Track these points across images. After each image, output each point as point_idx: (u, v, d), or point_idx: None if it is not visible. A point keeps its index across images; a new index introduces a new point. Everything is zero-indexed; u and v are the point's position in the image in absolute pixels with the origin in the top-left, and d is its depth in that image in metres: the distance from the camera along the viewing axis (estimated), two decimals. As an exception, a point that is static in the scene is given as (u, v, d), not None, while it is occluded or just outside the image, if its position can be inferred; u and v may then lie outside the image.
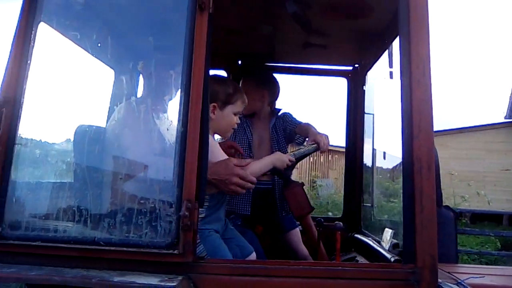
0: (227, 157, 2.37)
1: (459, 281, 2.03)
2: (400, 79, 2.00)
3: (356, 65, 3.50)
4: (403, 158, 1.93)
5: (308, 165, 17.24)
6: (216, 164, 2.25)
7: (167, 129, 2.08)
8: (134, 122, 2.21)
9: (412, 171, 1.88)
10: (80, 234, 1.88)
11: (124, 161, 2.16)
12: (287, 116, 3.30)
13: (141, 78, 2.49)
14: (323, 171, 18.32)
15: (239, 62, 3.58)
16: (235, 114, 2.48)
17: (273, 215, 3.14)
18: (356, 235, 3.15)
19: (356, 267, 2.03)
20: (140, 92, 2.48)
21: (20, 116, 1.98)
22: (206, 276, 1.84)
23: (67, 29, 2.25)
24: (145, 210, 1.85)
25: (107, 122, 2.41)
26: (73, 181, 2.19)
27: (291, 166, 2.76)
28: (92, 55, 2.43)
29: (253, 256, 2.49)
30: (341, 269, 1.92)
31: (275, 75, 3.44)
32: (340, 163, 16.83)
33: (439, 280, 1.86)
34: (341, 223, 2.73)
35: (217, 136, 2.62)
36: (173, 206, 1.81)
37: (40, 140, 2.25)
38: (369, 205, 3.28)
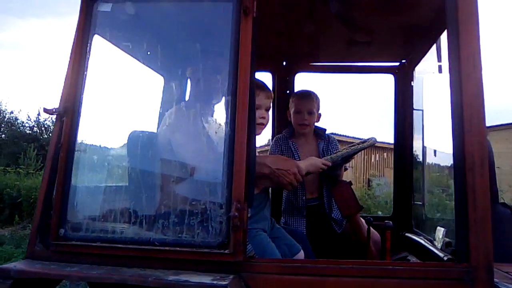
0: None
1: (518, 281, 1.94)
2: (449, 73, 1.94)
3: (403, 61, 3.42)
4: (454, 154, 1.88)
5: (363, 164, 16.92)
6: (274, 158, 2.48)
7: (216, 132, 2.14)
8: (184, 127, 2.29)
9: (464, 168, 1.83)
10: (136, 235, 1.96)
11: (175, 164, 2.24)
12: (334, 140, 3.28)
13: (188, 83, 2.58)
14: (380, 169, 17.92)
15: (284, 63, 3.60)
16: None
17: (328, 229, 3.12)
18: (407, 234, 3.08)
19: (408, 266, 2.00)
20: (188, 97, 2.56)
21: (78, 124, 2.09)
22: (257, 275, 1.87)
23: (119, 40, 2.37)
24: (196, 211, 1.91)
25: (158, 127, 2.51)
26: (128, 184, 2.30)
27: (337, 166, 2.75)
28: (143, 63, 2.54)
29: (301, 254, 2.50)
30: (392, 268, 1.89)
31: (321, 75, 3.43)
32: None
33: (496, 280, 1.80)
34: (390, 222, 2.69)
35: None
36: (223, 207, 1.86)
37: (97, 146, 2.37)
38: (420, 203, 3.20)
